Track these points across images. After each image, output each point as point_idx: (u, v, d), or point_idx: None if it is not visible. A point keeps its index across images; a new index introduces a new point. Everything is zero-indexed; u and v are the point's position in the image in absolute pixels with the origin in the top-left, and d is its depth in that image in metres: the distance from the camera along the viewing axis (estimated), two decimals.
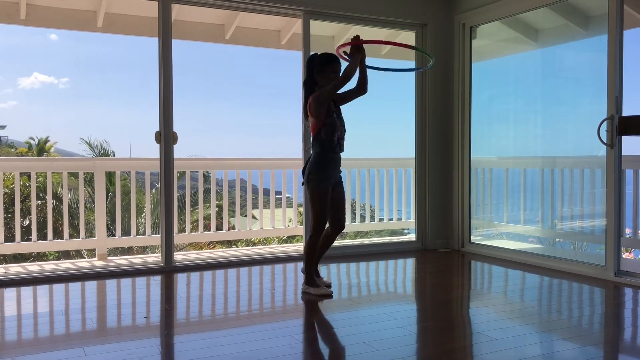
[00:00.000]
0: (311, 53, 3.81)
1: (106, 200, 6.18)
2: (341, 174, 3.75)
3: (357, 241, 6.30)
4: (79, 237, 5.31)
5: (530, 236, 5.62)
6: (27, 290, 3.82)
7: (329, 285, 3.78)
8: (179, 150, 4.48)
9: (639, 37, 5.04)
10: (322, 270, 4.48)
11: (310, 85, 3.63)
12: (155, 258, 4.78)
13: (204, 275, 4.29)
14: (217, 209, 7.48)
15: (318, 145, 3.58)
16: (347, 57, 3.61)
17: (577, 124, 4.91)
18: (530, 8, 4.75)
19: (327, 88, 3.49)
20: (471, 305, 3.57)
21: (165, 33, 4.36)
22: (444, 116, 5.43)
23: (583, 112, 4.81)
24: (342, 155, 3.71)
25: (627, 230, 4.95)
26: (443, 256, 5.10)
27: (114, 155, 12.36)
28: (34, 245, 5.31)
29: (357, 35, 3.59)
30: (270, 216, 6.16)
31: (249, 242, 9.65)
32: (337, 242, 5.68)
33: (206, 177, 7.63)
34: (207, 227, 7.66)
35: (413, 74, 5.42)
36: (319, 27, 5.59)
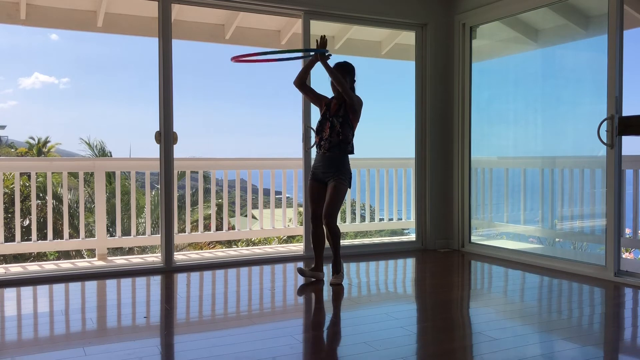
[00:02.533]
0: (343, 61, 4.05)
1: (106, 201, 6.18)
2: (335, 172, 3.91)
3: (357, 241, 6.30)
4: (79, 237, 5.31)
5: (530, 236, 5.62)
6: (27, 290, 3.82)
7: (315, 276, 4.06)
8: (179, 150, 4.48)
9: (639, 37, 5.04)
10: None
11: (354, 88, 4.04)
12: (155, 258, 4.78)
13: (204, 275, 4.29)
14: (217, 209, 7.48)
15: None
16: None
17: (577, 124, 4.90)
18: (530, 8, 4.75)
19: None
20: (471, 305, 3.57)
21: (165, 33, 4.36)
22: (444, 116, 5.43)
23: (583, 112, 4.81)
24: None
25: (627, 230, 4.95)
26: (443, 256, 5.10)
27: (111, 155, 12.36)
28: (34, 245, 5.31)
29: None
30: (270, 216, 6.16)
31: (249, 242, 9.64)
32: None
33: (206, 177, 7.63)
34: (207, 227, 7.67)
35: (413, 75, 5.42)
36: (319, 27, 5.59)
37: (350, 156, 4.00)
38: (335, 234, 3.96)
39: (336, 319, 3.24)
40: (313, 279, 4.05)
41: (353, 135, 3.97)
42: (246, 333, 2.87)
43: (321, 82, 5.12)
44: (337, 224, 4.00)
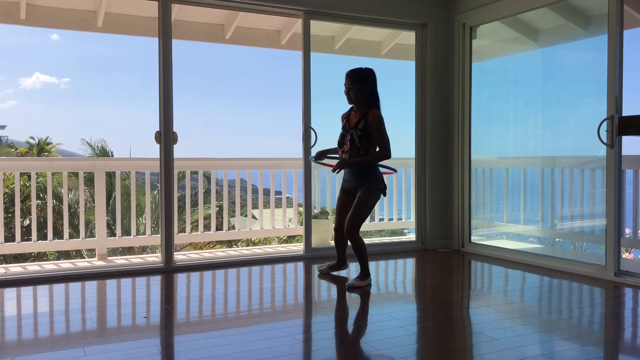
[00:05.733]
0: (364, 67, 3.89)
1: (106, 201, 6.19)
2: (359, 186, 3.84)
3: None
4: (79, 237, 5.31)
5: (530, 236, 5.62)
6: (27, 290, 3.82)
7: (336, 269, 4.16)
8: (179, 150, 4.48)
9: (639, 37, 5.04)
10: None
11: (375, 97, 3.84)
12: (155, 258, 4.78)
13: (204, 275, 4.29)
14: (217, 209, 7.48)
15: None
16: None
17: (577, 124, 4.91)
18: (530, 8, 4.75)
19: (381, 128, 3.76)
20: (471, 305, 3.57)
21: (165, 33, 4.36)
22: (444, 116, 5.43)
23: (583, 112, 4.81)
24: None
25: (627, 230, 4.95)
26: (443, 256, 5.10)
27: (112, 155, 12.38)
28: (34, 245, 5.31)
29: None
30: (270, 216, 6.16)
31: (249, 242, 9.64)
32: None
33: (206, 177, 7.63)
34: (207, 227, 7.66)
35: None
36: (319, 27, 5.59)
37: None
38: (357, 248, 3.86)
39: (336, 319, 3.23)
40: (334, 272, 4.12)
41: (374, 148, 3.80)
42: (246, 333, 2.87)
43: (323, 84, 5.13)
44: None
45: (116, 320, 3.15)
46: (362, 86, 3.79)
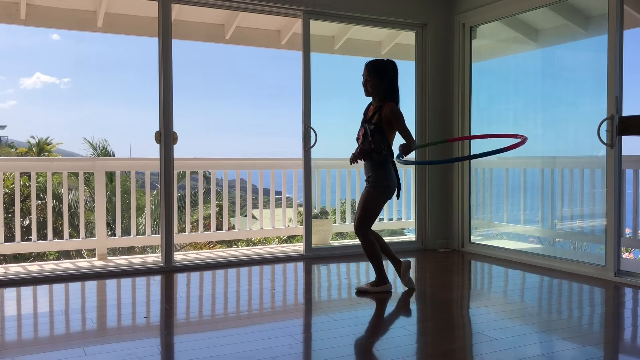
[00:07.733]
0: (385, 59, 3.75)
1: (106, 201, 6.18)
2: (368, 179, 3.74)
3: (357, 241, 6.28)
4: (79, 237, 5.31)
5: (530, 236, 5.62)
6: (27, 290, 3.82)
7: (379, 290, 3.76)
8: (179, 150, 4.49)
9: (639, 37, 5.04)
10: (322, 269, 4.51)
11: (393, 90, 3.70)
12: (155, 258, 4.78)
13: (204, 275, 4.29)
14: (217, 208, 7.48)
15: None
16: None
17: (577, 124, 4.91)
18: (530, 8, 4.75)
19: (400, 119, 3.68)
20: (471, 305, 3.57)
21: (165, 33, 4.36)
22: (444, 116, 5.43)
23: (583, 112, 4.81)
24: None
25: (627, 230, 4.95)
26: (443, 256, 5.10)
27: (113, 155, 12.38)
28: (34, 245, 5.31)
29: None
30: (270, 216, 6.16)
31: (249, 242, 9.64)
32: (337, 242, 5.70)
33: (206, 177, 7.62)
34: (207, 227, 7.67)
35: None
36: (319, 27, 5.59)
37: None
38: (366, 249, 3.71)
39: (336, 319, 3.23)
40: (378, 292, 3.74)
41: (385, 143, 3.64)
42: (246, 333, 2.87)
43: (323, 84, 5.12)
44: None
45: (116, 320, 3.15)
46: (379, 79, 3.63)
